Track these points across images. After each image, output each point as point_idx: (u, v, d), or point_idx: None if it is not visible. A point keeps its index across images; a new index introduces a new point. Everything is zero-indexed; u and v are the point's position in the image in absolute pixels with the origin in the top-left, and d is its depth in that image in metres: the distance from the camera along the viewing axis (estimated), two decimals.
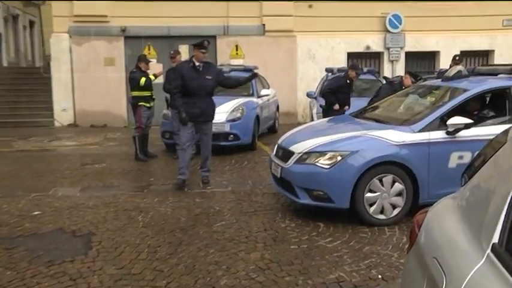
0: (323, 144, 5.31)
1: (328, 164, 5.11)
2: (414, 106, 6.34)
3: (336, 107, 8.38)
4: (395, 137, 5.18)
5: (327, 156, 5.16)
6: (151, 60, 10.00)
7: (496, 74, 6.20)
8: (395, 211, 5.20)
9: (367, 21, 15.37)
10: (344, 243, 4.73)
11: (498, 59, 15.97)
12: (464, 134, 5.19)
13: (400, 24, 15.50)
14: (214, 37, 14.93)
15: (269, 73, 14.11)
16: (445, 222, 2.07)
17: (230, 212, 5.75)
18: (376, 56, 16.03)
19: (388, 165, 5.13)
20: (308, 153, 5.30)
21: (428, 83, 7.14)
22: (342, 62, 14.95)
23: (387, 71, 15.52)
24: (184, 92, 6.78)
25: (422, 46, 15.92)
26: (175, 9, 14.26)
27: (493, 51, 16.16)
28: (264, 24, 15.03)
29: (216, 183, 7.15)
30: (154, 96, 9.09)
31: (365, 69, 12.11)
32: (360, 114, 6.51)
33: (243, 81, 7.80)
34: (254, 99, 10.55)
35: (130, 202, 6.21)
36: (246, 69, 11.63)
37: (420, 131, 5.22)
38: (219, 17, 14.72)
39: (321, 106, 9.07)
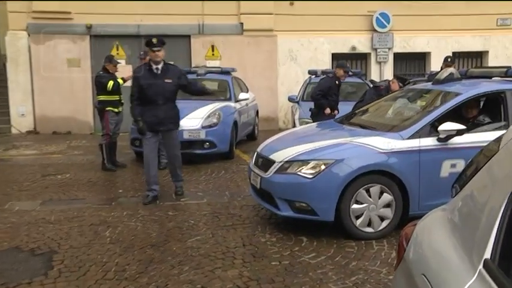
0: (306, 152, 5.32)
1: (311, 174, 5.11)
2: (403, 111, 6.42)
3: (327, 111, 8.46)
4: (383, 144, 5.21)
5: (310, 165, 5.16)
6: (119, 61, 9.91)
7: (490, 77, 6.32)
8: (384, 223, 5.24)
9: (353, 20, 15.55)
10: (329, 258, 4.75)
11: (493, 61, 16.29)
12: (456, 140, 5.25)
13: (388, 23, 15.71)
14: (188, 36, 14.96)
15: (248, 75, 14.16)
16: (435, 236, 2.10)
17: (206, 226, 5.73)
18: (363, 57, 16.21)
19: (375, 174, 5.16)
20: (290, 162, 5.30)
21: (419, 86, 7.23)
22: (326, 64, 15.08)
23: (374, 74, 15.71)
24: (141, 99, 6.59)
25: (411, 47, 16.16)
26: (146, 6, 14.24)
27: (487, 52, 16.49)
28: (242, 23, 15.08)
29: (191, 195, 7.13)
30: (122, 101, 9.03)
31: (351, 72, 12.22)
32: (346, 119, 6.56)
33: (208, 92, 7.93)
34: (232, 104, 10.56)
35: (96, 216, 6.14)
36: (223, 72, 11.68)
37: (410, 137, 5.26)
38: (194, 15, 14.72)
39: (310, 110, 9.13)
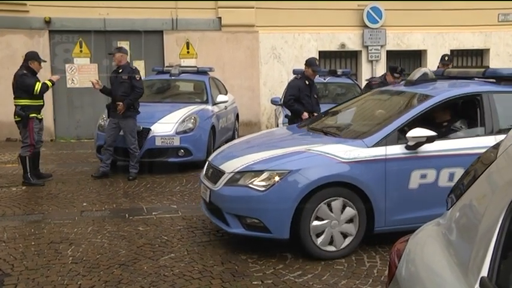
0: (259, 161, 5.25)
1: (263, 186, 5.04)
2: (370, 115, 6.40)
3: (305, 115, 8.23)
4: (345, 153, 5.15)
5: (263, 176, 5.09)
6: (44, 60, 9.57)
7: (470, 78, 6.33)
8: (347, 241, 5.18)
9: (342, 14, 15.69)
10: (316, 277, 4.78)
11: (494, 59, 16.54)
12: (427, 148, 5.22)
13: (380, 18, 15.88)
14: (161, 32, 14.96)
15: (227, 75, 14.20)
16: (428, 252, 2.14)
17: (180, 243, 5.73)
18: (353, 56, 16.36)
19: (337, 187, 5.10)
20: (241, 173, 5.22)
21: (390, 88, 7.23)
22: None
23: (366, 73, 15.85)
24: None
25: (406, 44, 16.36)
26: None
27: (487, 50, 16.76)
28: (220, 18, 15.13)
29: (164, 208, 7.12)
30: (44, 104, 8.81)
31: (339, 71, 12.34)
32: (309, 124, 6.53)
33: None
34: (209, 107, 10.58)
35: (57, 233, 6.10)
36: (200, 72, 11.70)
37: (375, 145, 5.22)
38: (167, 9, 14.72)
39: (286, 116, 9.10)
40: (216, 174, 5.54)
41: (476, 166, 2.38)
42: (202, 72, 11.75)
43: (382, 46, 16.08)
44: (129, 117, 8.91)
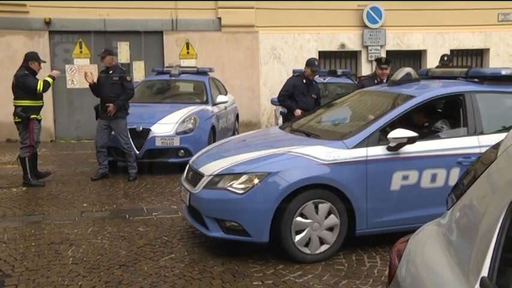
0: (238, 164, 5.20)
1: (242, 189, 4.98)
2: (352, 116, 6.37)
3: (297, 112, 8.21)
4: (324, 154, 5.10)
5: (242, 179, 5.03)
6: (44, 60, 9.57)
7: (454, 78, 6.29)
8: (323, 247, 5.11)
9: (342, 15, 15.70)
10: (316, 277, 4.78)
11: (494, 59, 16.56)
12: (409, 149, 5.17)
13: (380, 18, 15.89)
14: (160, 33, 14.96)
15: (227, 76, 14.20)
16: (429, 253, 2.14)
17: (181, 243, 5.73)
18: (353, 56, 16.37)
19: (316, 188, 5.04)
20: (220, 176, 5.16)
21: (374, 88, 7.18)
22: None
23: (366, 73, 15.81)
24: None
25: (406, 44, 16.37)
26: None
27: (487, 50, 16.77)
28: (219, 18, 15.13)
29: (164, 208, 7.12)
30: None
31: (339, 72, 12.34)
32: (292, 125, 6.48)
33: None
34: (209, 108, 10.59)
35: (57, 233, 6.10)
36: (200, 72, 11.71)
37: (356, 146, 5.16)
38: (166, 9, 14.73)
39: (281, 113, 9.15)
40: (195, 177, 5.48)
41: (476, 166, 2.38)
42: (202, 72, 11.75)
43: (382, 46, 16.08)
44: (120, 118, 8.91)
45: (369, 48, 16.01)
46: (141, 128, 9.29)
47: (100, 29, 14.40)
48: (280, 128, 6.63)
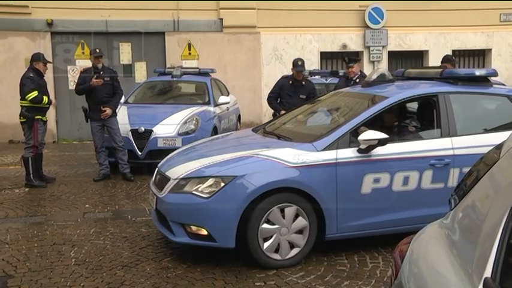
0: (204, 167, 5.08)
1: (208, 193, 4.85)
2: (323, 118, 6.31)
3: (282, 113, 8.07)
4: (293, 157, 4.97)
5: (208, 182, 4.90)
6: (50, 61, 9.62)
7: (431, 79, 6.17)
8: (293, 251, 5.00)
9: (344, 15, 15.70)
10: (318, 278, 4.78)
11: (496, 59, 16.55)
12: (380, 151, 5.06)
13: (382, 19, 15.89)
14: (162, 34, 14.98)
15: (228, 77, 14.21)
16: (431, 253, 2.14)
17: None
18: (355, 56, 16.32)
19: (287, 192, 4.92)
20: (186, 179, 5.04)
21: (347, 89, 7.09)
22: (314, 64, 15.20)
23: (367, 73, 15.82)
24: None
25: (408, 44, 16.36)
26: (114, 0, 14.19)
27: (490, 50, 16.76)
28: (221, 19, 15.14)
29: None
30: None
31: (341, 72, 12.34)
32: (265, 127, 6.39)
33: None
34: (211, 108, 10.59)
35: (60, 234, 6.10)
36: (201, 73, 11.72)
37: (325, 148, 5.04)
38: (168, 10, 14.75)
39: (273, 115, 9.19)
40: (162, 180, 5.36)
41: (479, 167, 2.38)
42: (204, 73, 11.76)
43: (383, 47, 16.08)
44: (112, 117, 8.93)
45: (371, 48, 16.00)
46: (143, 129, 9.29)
47: (102, 30, 14.41)
48: (253, 130, 6.46)
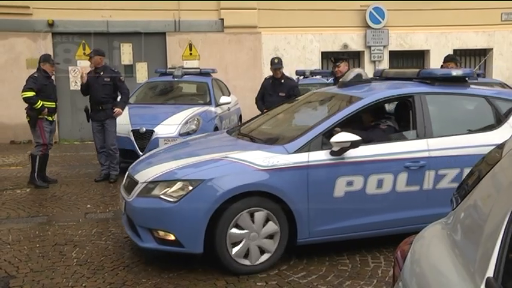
0: (173, 170, 4.96)
1: (175, 197, 4.72)
2: (297, 119, 6.23)
3: None
4: (263, 160, 4.84)
5: (176, 186, 4.77)
6: (57, 62, 9.67)
7: (411, 79, 6.04)
8: (264, 257, 4.89)
9: (345, 15, 15.70)
10: (320, 278, 4.78)
11: (497, 59, 16.55)
12: (353, 154, 4.94)
13: (383, 18, 15.89)
14: (163, 34, 14.99)
15: (229, 77, 14.21)
16: (433, 253, 2.14)
17: None
18: (355, 56, 16.36)
19: (252, 196, 4.77)
20: (154, 183, 4.91)
21: (324, 89, 6.99)
22: (315, 63, 15.21)
23: (369, 74, 15.77)
24: None
25: (409, 44, 16.36)
26: (115, 1, 14.21)
27: (491, 49, 16.76)
28: (222, 19, 15.15)
29: None
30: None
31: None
32: (239, 129, 6.28)
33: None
34: (212, 108, 10.59)
35: (61, 235, 6.11)
36: (202, 73, 11.73)
37: (297, 151, 4.92)
38: (169, 10, 14.76)
39: None
40: (131, 184, 5.21)
41: (480, 166, 2.38)
42: (205, 73, 11.77)
43: (384, 46, 16.09)
44: (112, 118, 8.90)
45: (372, 48, 16.01)
46: (144, 129, 9.30)
47: (103, 31, 14.42)
48: (227, 132, 6.34)
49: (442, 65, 10.08)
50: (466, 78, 5.92)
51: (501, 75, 15.91)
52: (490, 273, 1.68)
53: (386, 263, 5.08)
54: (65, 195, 8.11)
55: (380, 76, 6.58)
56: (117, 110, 8.81)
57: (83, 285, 4.69)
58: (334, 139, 4.87)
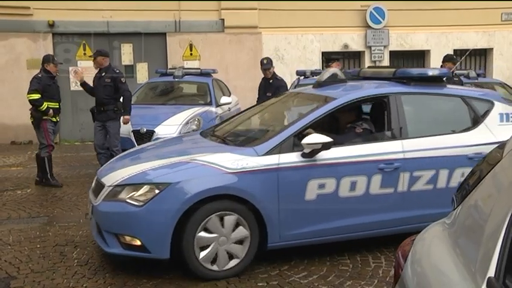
0: (139, 173, 4.83)
1: (142, 201, 4.59)
2: (270, 120, 6.16)
3: None
4: (232, 162, 4.73)
5: (142, 190, 4.65)
6: (60, 62, 9.72)
7: (389, 79, 5.93)
8: (232, 262, 4.78)
9: (345, 15, 15.70)
10: (321, 278, 4.78)
11: (498, 59, 16.56)
12: (325, 156, 4.84)
13: (383, 18, 15.89)
14: (164, 34, 14.99)
15: (230, 77, 14.21)
16: (434, 253, 2.14)
17: None
18: (356, 56, 16.36)
19: (221, 199, 4.68)
20: (121, 186, 4.77)
21: (300, 89, 6.89)
22: (315, 64, 15.19)
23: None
24: None
25: (409, 44, 16.36)
26: (115, 1, 14.22)
27: (491, 49, 16.77)
28: (222, 19, 15.15)
29: None
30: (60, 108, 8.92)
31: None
32: (212, 130, 6.16)
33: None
34: (212, 109, 10.60)
35: (62, 235, 6.11)
36: (203, 73, 11.73)
37: (267, 153, 4.81)
38: (169, 11, 14.76)
39: None
40: (98, 187, 5.08)
41: (481, 166, 2.38)
42: (206, 74, 11.77)
43: (385, 46, 16.09)
44: (115, 120, 8.84)
45: (372, 48, 16.01)
46: (145, 130, 9.29)
47: (103, 31, 14.42)
48: (201, 133, 6.16)
49: (441, 65, 10.09)
50: (444, 79, 5.89)
51: (501, 75, 15.92)
52: (491, 273, 1.68)
53: (387, 263, 5.08)
54: (66, 195, 8.11)
55: (357, 76, 6.50)
56: (125, 119, 8.78)
57: (84, 285, 4.69)
58: (304, 141, 4.77)
